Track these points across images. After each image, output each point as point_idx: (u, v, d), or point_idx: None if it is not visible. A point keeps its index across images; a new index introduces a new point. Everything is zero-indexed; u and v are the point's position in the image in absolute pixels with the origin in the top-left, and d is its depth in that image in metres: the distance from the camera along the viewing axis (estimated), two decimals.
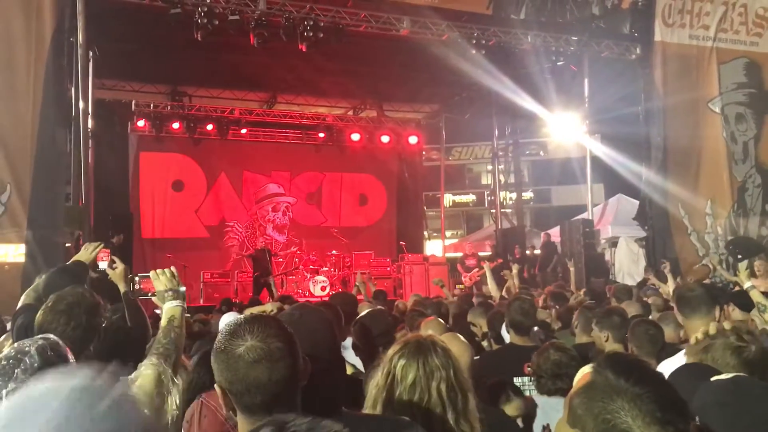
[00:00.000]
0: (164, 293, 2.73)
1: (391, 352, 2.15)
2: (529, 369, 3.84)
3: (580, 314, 5.04)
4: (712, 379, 2.24)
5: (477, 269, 15.38)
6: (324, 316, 2.16)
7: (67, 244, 9.93)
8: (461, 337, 3.47)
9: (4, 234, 9.00)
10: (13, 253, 8.96)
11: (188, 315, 5.34)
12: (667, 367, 3.34)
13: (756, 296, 5.22)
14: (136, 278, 3.05)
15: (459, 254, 17.98)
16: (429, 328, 3.57)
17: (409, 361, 2.08)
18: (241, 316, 1.88)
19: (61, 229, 9.55)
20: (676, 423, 1.45)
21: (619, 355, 3.33)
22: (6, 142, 9.09)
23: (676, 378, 2.71)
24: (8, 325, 5.53)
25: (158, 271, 2.80)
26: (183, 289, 2.79)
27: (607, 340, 4.26)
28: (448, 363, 2.12)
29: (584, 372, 1.61)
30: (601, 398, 1.48)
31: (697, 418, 2.14)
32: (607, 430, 1.45)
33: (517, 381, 3.87)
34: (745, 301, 5.00)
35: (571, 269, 9.79)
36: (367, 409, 2.10)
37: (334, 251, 16.97)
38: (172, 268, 2.79)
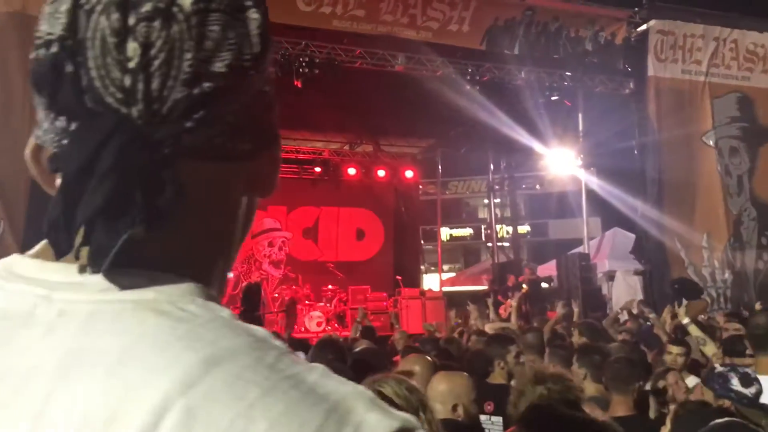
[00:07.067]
0: None
1: None
2: (489, 408, 3.74)
3: (551, 354, 4.73)
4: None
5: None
6: None
7: None
8: (457, 374, 3.37)
9: None
10: None
11: None
12: None
13: (694, 331, 5.26)
14: None
15: (457, 288, 17.86)
16: (410, 364, 3.49)
17: None
18: None
19: None
20: None
21: None
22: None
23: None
24: None
25: None
26: None
27: (585, 378, 4.07)
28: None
29: None
30: None
31: None
32: None
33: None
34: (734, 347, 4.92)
35: (560, 312, 9.38)
36: None
37: (330, 286, 16.87)
38: None
